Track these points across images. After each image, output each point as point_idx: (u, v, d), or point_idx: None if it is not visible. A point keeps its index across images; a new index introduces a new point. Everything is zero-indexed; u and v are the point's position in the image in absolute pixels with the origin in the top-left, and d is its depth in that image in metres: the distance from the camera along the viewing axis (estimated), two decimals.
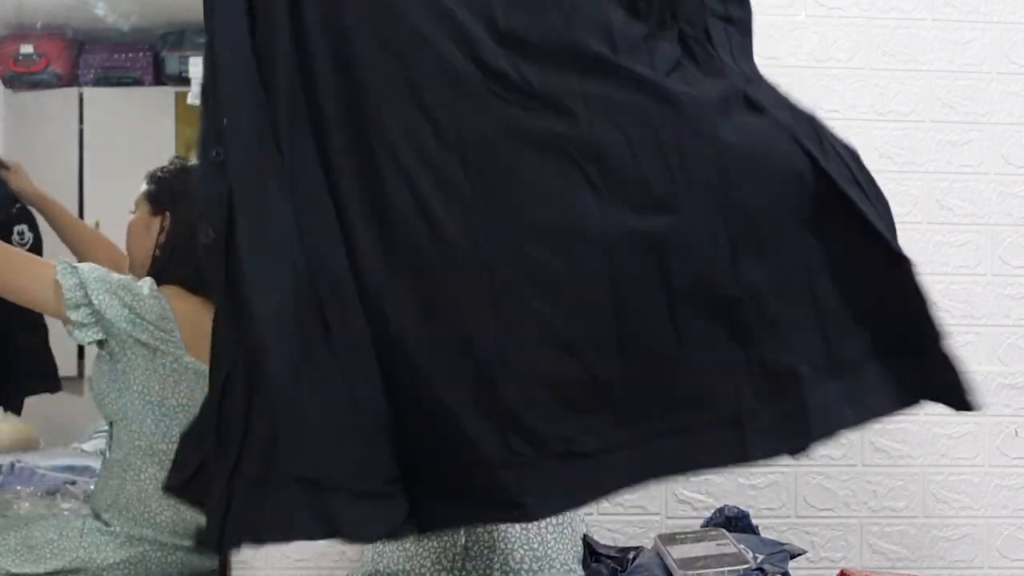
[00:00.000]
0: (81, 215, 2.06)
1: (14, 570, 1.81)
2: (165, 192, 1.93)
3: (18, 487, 2.02)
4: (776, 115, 1.13)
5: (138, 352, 1.83)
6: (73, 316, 1.76)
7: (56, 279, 1.75)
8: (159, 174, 1.95)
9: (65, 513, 1.92)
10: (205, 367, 1.88)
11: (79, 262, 1.81)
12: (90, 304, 1.76)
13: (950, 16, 1.99)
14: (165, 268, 1.90)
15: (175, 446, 1.84)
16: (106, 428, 1.90)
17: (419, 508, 1.08)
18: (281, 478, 1.03)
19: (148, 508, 1.84)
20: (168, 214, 1.92)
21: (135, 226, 1.97)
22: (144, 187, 1.96)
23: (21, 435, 2.18)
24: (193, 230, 1.89)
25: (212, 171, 1.08)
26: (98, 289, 1.77)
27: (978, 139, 2.00)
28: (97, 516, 1.86)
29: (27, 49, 2.05)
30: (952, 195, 2.00)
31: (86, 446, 2.09)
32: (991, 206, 2.00)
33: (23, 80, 2.06)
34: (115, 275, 1.83)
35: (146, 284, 1.86)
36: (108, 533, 1.82)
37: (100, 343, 1.81)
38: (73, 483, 2.03)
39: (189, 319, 1.86)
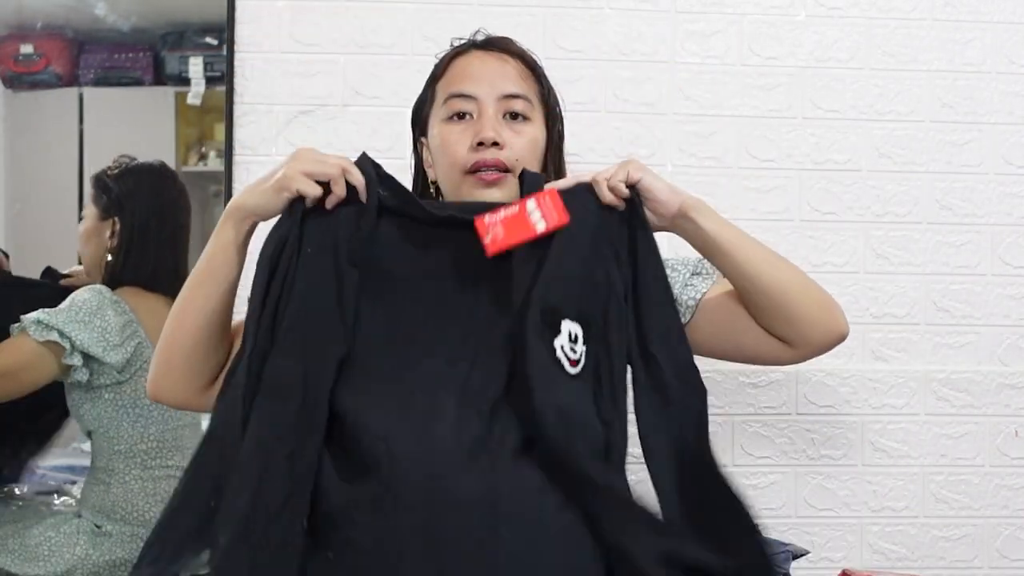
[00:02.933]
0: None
1: (13, 570, 1.82)
2: (113, 197, 1.94)
3: (18, 487, 2.02)
4: None
5: (111, 370, 1.84)
6: (71, 362, 1.80)
7: (38, 343, 1.79)
8: (105, 178, 1.96)
9: (64, 513, 1.92)
10: None
11: None
12: (74, 347, 1.80)
13: (950, 16, 1.99)
14: (121, 271, 1.91)
15: (154, 445, 1.89)
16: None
17: None
18: None
19: (136, 508, 1.86)
20: (117, 219, 1.93)
21: (86, 232, 1.97)
22: (91, 191, 1.97)
23: None
24: (145, 231, 1.92)
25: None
26: (76, 329, 1.81)
27: (978, 139, 2.00)
28: (87, 519, 1.87)
29: (27, 49, 2.05)
30: (952, 195, 2.00)
31: (86, 446, 2.08)
32: (991, 206, 2.00)
33: (23, 80, 2.06)
34: (75, 304, 1.84)
35: (105, 295, 1.87)
36: (102, 534, 1.84)
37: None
38: (73, 483, 2.03)
39: (152, 318, 1.89)
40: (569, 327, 1.22)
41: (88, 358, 1.81)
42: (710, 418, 1.93)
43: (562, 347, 1.21)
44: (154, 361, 1.31)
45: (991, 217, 2.00)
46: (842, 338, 1.35)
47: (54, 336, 1.78)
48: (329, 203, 1.22)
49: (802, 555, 1.58)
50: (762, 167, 1.97)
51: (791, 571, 1.54)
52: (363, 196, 1.23)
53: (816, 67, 1.98)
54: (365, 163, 1.25)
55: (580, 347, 1.22)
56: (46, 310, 1.81)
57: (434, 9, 1.91)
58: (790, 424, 1.97)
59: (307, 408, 1.16)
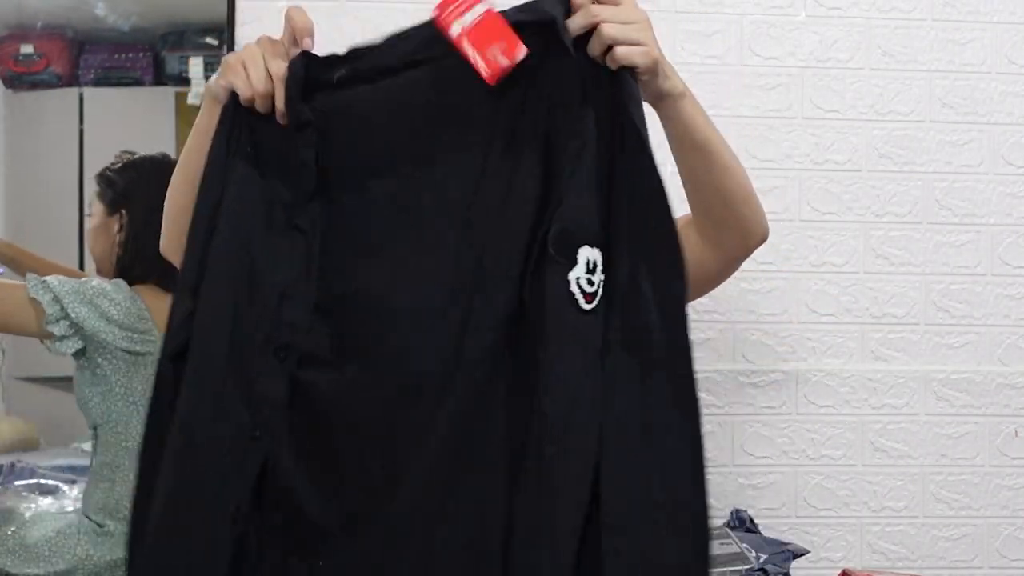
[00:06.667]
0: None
1: (13, 570, 1.81)
2: (118, 191, 1.92)
3: (18, 487, 2.02)
4: None
5: (119, 357, 1.83)
6: (54, 330, 1.76)
7: (31, 296, 1.75)
8: (108, 173, 1.94)
9: (65, 513, 1.92)
10: None
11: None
12: (67, 316, 1.76)
13: (950, 16, 1.99)
14: (132, 267, 1.90)
15: None
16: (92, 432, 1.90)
17: None
18: None
19: None
20: (124, 212, 1.91)
21: (94, 230, 1.96)
22: (96, 188, 1.95)
23: (21, 435, 2.18)
24: (153, 225, 1.91)
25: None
26: (73, 301, 1.77)
27: (978, 139, 2.00)
28: (89, 518, 1.86)
29: (27, 49, 2.05)
30: (952, 195, 2.00)
31: (86, 446, 2.08)
32: (991, 206, 2.01)
33: (23, 80, 2.06)
34: (88, 284, 1.82)
35: (121, 287, 1.85)
36: (104, 533, 1.83)
37: (80, 351, 1.81)
38: (73, 483, 2.03)
39: (166, 318, 1.88)
40: (587, 255, 1.05)
41: (81, 332, 1.79)
42: (711, 418, 1.95)
43: (577, 280, 1.04)
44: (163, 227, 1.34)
45: (991, 217, 2.01)
46: (764, 240, 1.30)
47: (47, 298, 1.75)
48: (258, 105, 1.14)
49: (802, 555, 1.58)
50: (762, 167, 1.97)
51: (791, 571, 1.54)
52: (281, 119, 1.14)
53: (816, 67, 1.98)
54: (297, 68, 1.15)
55: (598, 276, 1.05)
56: (63, 277, 1.79)
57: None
58: (790, 424, 1.97)
59: None
